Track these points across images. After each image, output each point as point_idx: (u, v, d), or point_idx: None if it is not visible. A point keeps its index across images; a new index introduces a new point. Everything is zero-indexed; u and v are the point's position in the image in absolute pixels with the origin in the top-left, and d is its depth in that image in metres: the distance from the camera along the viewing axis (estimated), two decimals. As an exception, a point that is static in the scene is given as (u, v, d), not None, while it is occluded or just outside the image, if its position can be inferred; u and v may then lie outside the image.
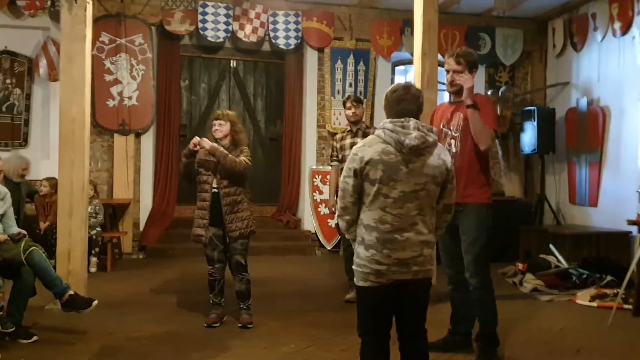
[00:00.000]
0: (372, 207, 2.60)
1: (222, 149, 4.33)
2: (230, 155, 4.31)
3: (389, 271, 2.58)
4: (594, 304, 5.22)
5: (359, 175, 2.60)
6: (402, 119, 2.62)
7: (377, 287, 2.61)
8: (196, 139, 4.33)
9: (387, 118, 2.70)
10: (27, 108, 7.48)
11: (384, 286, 2.60)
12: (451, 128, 3.73)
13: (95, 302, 4.14)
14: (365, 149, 2.62)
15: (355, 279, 2.70)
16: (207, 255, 4.46)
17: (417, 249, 2.60)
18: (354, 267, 2.70)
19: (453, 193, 2.75)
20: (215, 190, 4.38)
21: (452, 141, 3.70)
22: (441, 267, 3.99)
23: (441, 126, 3.79)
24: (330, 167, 5.54)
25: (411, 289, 2.65)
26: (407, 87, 2.72)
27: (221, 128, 4.46)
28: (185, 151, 4.43)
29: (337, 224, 2.73)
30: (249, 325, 4.37)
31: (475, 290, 3.66)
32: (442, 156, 2.68)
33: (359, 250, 2.65)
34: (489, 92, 8.33)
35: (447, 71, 3.73)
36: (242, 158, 4.36)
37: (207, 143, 4.31)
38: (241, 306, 4.49)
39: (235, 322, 4.45)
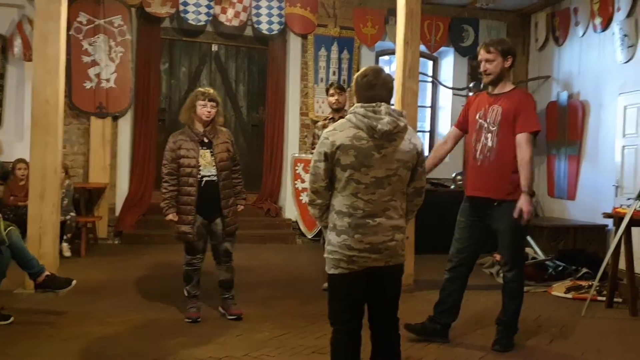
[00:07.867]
0: (344, 193, 2.57)
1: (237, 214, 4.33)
2: (236, 195, 4.33)
3: (361, 258, 2.54)
4: (569, 295, 5.29)
5: (330, 159, 2.56)
6: (374, 104, 2.57)
7: (349, 274, 2.57)
8: None
9: (357, 103, 2.65)
10: (1, 88, 7.32)
11: (356, 273, 2.56)
12: (488, 121, 3.71)
13: (74, 282, 4.11)
14: (337, 133, 2.57)
15: (326, 267, 2.65)
16: (192, 246, 4.17)
17: (389, 233, 2.57)
18: (325, 254, 2.65)
19: (423, 176, 2.73)
20: (210, 179, 4.14)
21: (489, 135, 3.68)
22: (418, 255, 3.97)
23: (477, 118, 3.77)
24: (311, 155, 5.50)
25: (383, 277, 2.62)
26: (377, 71, 2.66)
27: (213, 111, 4.25)
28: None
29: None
30: (240, 317, 4.20)
31: (511, 283, 3.75)
32: (412, 140, 2.64)
33: (330, 236, 2.61)
34: (471, 85, 8.32)
35: (480, 61, 3.78)
36: (239, 169, 4.41)
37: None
38: (227, 296, 4.31)
39: (208, 310, 4.37)
